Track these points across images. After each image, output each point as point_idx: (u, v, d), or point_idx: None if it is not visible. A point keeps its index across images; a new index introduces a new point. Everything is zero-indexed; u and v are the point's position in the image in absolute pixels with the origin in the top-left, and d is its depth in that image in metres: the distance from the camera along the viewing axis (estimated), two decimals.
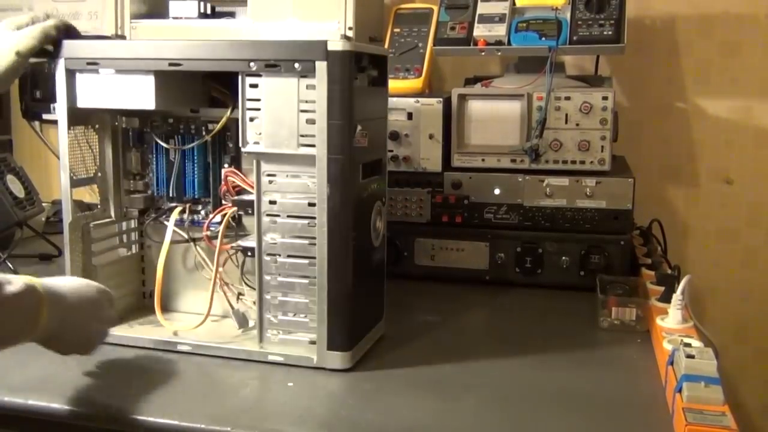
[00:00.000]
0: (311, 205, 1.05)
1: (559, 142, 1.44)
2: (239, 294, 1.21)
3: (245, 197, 1.14)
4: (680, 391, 0.90)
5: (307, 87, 1.02)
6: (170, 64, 1.06)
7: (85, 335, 0.99)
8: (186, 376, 1.06)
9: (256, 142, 1.06)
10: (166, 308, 1.23)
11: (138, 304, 1.29)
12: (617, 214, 1.42)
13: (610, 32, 1.44)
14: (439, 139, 1.49)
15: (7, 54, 1.07)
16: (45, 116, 1.99)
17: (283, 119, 1.04)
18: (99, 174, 1.23)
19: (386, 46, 1.64)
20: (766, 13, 1.73)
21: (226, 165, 1.21)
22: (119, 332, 1.17)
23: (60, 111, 1.13)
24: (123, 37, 1.49)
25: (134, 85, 1.09)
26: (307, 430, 0.91)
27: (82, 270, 1.17)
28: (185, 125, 1.22)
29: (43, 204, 1.73)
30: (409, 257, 1.52)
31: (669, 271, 1.36)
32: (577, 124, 1.44)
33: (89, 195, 1.32)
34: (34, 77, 1.84)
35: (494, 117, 1.48)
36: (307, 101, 1.03)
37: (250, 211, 1.11)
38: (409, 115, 1.50)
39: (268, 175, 1.07)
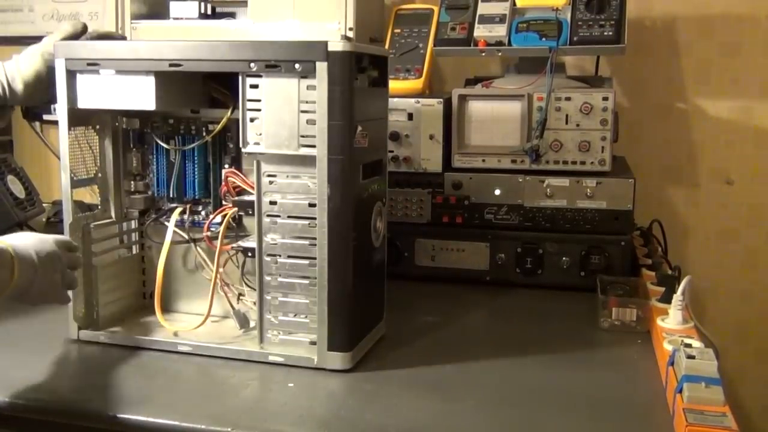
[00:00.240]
0: (312, 205, 1.05)
1: (560, 142, 1.44)
2: (240, 294, 1.21)
3: (246, 198, 1.14)
4: (681, 391, 0.90)
5: (308, 87, 1.02)
6: (171, 65, 1.06)
7: (50, 287, 1.03)
8: (186, 377, 1.06)
9: (257, 143, 1.06)
10: (167, 309, 1.23)
11: (138, 304, 1.29)
12: (618, 214, 1.42)
13: (610, 33, 1.44)
14: (439, 140, 1.49)
15: (34, 54, 1.17)
16: (45, 117, 1.99)
17: (283, 120, 1.04)
18: (99, 175, 1.23)
19: (387, 46, 1.64)
20: (766, 13, 1.73)
21: (226, 165, 1.21)
22: (120, 333, 1.18)
23: (60, 112, 1.13)
24: (124, 38, 1.49)
25: (134, 85, 1.09)
26: (307, 431, 0.91)
27: (83, 270, 1.17)
28: (185, 126, 1.22)
29: (44, 204, 1.73)
30: (410, 258, 1.52)
31: (669, 272, 1.36)
32: (578, 125, 1.44)
33: (90, 195, 1.32)
34: None
35: (495, 117, 1.48)
36: (307, 102, 1.03)
37: (250, 212, 1.11)
38: (410, 116, 1.50)
39: (269, 175, 1.07)
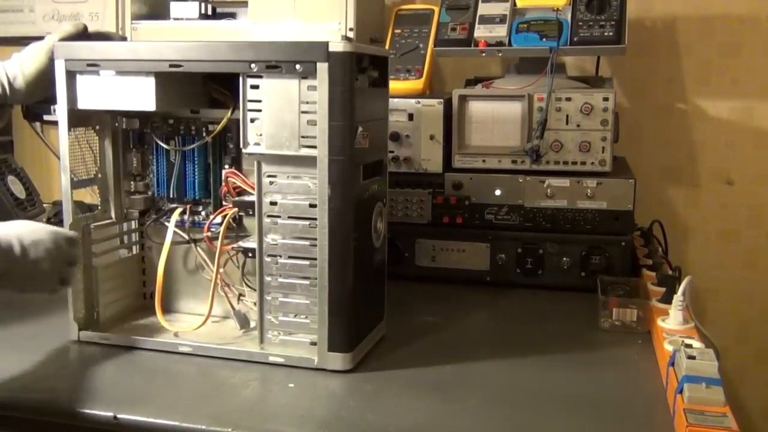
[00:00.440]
0: (312, 206, 1.05)
1: (560, 143, 1.44)
2: (240, 295, 1.21)
3: (246, 198, 1.14)
4: (681, 392, 0.90)
5: (309, 88, 1.02)
6: (171, 66, 1.06)
7: (34, 275, 1.01)
8: (187, 377, 1.06)
9: (257, 143, 1.06)
10: (167, 309, 1.23)
11: (139, 305, 1.29)
12: (618, 214, 1.42)
13: (610, 33, 1.44)
14: (439, 140, 1.49)
15: (37, 52, 1.16)
16: (46, 117, 1.99)
17: (284, 120, 1.04)
18: (99, 175, 1.23)
19: (387, 47, 1.64)
20: (766, 14, 1.73)
21: (226, 166, 1.21)
22: (120, 333, 1.18)
23: (60, 112, 1.13)
24: (124, 38, 1.49)
25: (135, 86, 1.09)
26: (307, 431, 0.91)
27: (83, 271, 1.17)
28: (185, 126, 1.22)
29: (44, 205, 1.73)
30: (410, 258, 1.52)
31: (670, 272, 1.36)
32: (578, 125, 1.44)
33: (90, 196, 1.32)
34: None
35: (495, 118, 1.48)
36: (308, 102, 1.03)
37: (251, 212, 1.11)
38: (410, 116, 1.50)
39: (269, 176, 1.07)
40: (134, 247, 1.29)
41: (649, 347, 1.16)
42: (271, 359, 1.09)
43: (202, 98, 1.20)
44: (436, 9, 1.62)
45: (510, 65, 1.63)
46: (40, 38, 1.19)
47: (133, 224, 1.28)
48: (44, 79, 1.15)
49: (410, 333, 1.23)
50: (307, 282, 1.08)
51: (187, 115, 1.21)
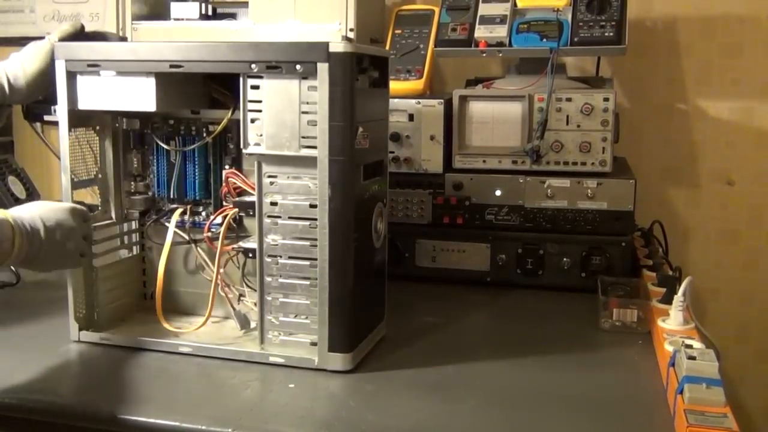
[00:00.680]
0: (312, 206, 1.05)
1: (560, 143, 1.44)
2: (240, 295, 1.21)
3: (246, 198, 1.14)
4: (681, 392, 0.90)
5: (309, 88, 1.02)
6: (171, 66, 1.06)
7: (61, 254, 1.06)
8: (187, 378, 1.06)
9: (257, 144, 1.06)
10: (167, 309, 1.23)
11: (139, 305, 1.29)
12: (618, 215, 1.42)
13: (611, 33, 1.44)
14: (440, 141, 1.49)
15: (38, 52, 1.15)
16: (46, 118, 1.99)
17: (284, 121, 1.04)
18: (99, 175, 1.23)
19: (387, 47, 1.64)
20: (767, 14, 1.73)
21: (227, 166, 1.21)
22: (121, 334, 1.18)
23: (61, 113, 1.13)
24: (125, 39, 1.49)
25: (135, 87, 1.09)
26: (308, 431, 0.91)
27: (83, 271, 1.17)
28: (186, 126, 1.22)
29: None
30: (410, 258, 1.52)
31: (670, 273, 1.36)
32: (578, 126, 1.44)
33: (90, 196, 1.32)
34: None
35: (495, 118, 1.48)
36: (308, 103, 1.03)
37: (251, 213, 1.11)
38: (410, 117, 1.50)
39: (269, 176, 1.07)
40: (134, 248, 1.29)
41: (649, 348, 1.16)
42: (272, 359, 1.09)
43: (202, 99, 1.20)
44: (437, 9, 1.62)
45: (510, 66, 1.63)
46: (40, 38, 1.19)
47: (133, 225, 1.28)
48: (45, 79, 1.15)
49: (411, 333, 1.23)
50: (307, 282, 1.08)
51: (188, 116, 1.21)
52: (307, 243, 1.07)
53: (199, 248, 1.23)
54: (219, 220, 1.18)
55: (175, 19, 1.69)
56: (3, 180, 1.60)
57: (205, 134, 1.20)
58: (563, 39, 1.45)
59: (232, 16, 1.75)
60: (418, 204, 1.51)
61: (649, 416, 0.95)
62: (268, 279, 1.10)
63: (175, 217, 1.21)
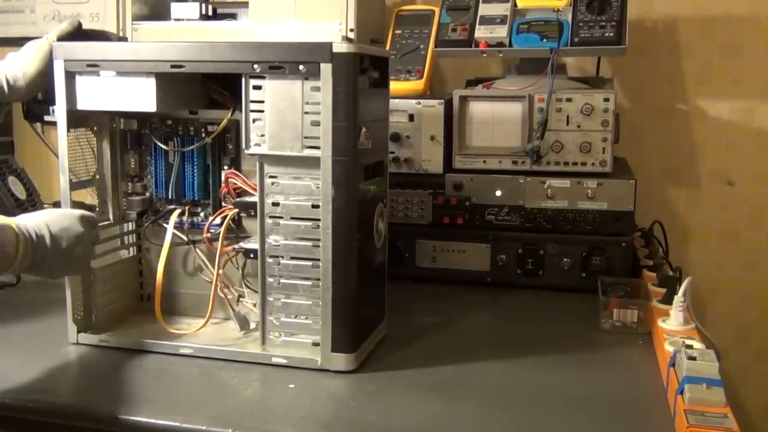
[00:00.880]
0: (315, 206, 1.05)
1: (561, 143, 1.44)
2: (239, 296, 1.21)
3: (248, 199, 1.14)
4: (682, 392, 0.90)
5: (312, 89, 1.02)
6: (173, 66, 1.06)
7: (69, 260, 1.05)
8: (188, 378, 1.06)
9: (258, 144, 1.06)
10: (164, 311, 1.21)
11: (136, 306, 1.28)
12: (618, 215, 1.42)
13: (611, 34, 1.44)
14: (440, 141, 1.49)
15: (37, 52, 1.15)
16: (47, 118, 1.99)
17: (287, 121, 1.04)
18: (97, 176, 1.23)
19: (387, 47, 1.64)
20: (767, 15, 1.73)
21: (225, 167, 1.20)
22: (121, 335, 1.17)
23: (59, 113, 1.12)
24: (125, 39, 1.48)
25: (135, 87, 1.09)
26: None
27: (81, 273, 1.17)
28: (184, 127, 1.21)
29: (45, 205, 1.73)
30: (411, 259, 1.52)
31: (670, 273, 1.36)
32: (579, 126, 1.44)
33: (90, 197, 1.32)
34: None
35: (495, 118, 1.48)
36: (311, 103, 1.03)
37: (252, 213, 1.10)
38: (411, 117, 1.50)
39: (271, 176, 1.07)
40: (131, 249, 1.28)
41: (649, 348, 1.16)
42: (275, 360, 1.08)
43: (200, 99, 1.19)
44: (437, 10, 1.62)
45: (510, 66, 1.63)
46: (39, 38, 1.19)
47: (131, 226, 1.27)
48: (44, 80, 1.15)
49: (411, 333, 1.23)
50: (309, 283, 1.08)
51: (186, 116, 1.21)
52: (309, 243, 1.07)
53: (197, 249, 1.23)
54: (218, 220, 1.18)
55: (176, 20, 1.69)
56: (3, 180, 1.60)
57: (204, 134, 1.20)
58: (563, 39, 1.45)
59: (232, 16, 1.75)
60: (419, 204, 1.51)
61: (650, 416, 0.95)
62: (270, 280, 1.10)
63: (174, 217, 1.20)
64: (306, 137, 1.04)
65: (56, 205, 1.83)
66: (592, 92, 1.45)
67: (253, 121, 1.06)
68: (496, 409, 0.97)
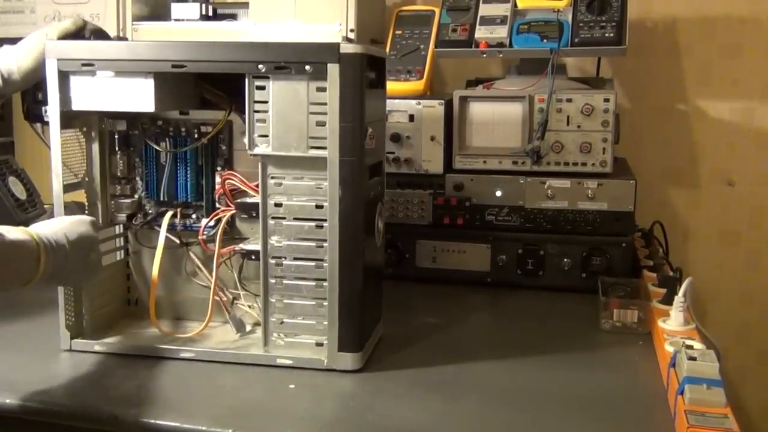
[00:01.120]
0: (319, 207, 1.05)
1: (561, 143, 1.44)
2: (234, 299, 1.20)
3: (248, 200, 1.13)
4: (682, 393, 0.90)
5: (318, 89, 1.02)
6: (173, 66, 1.05)
7: (85, 265, 1.05)
8: (189, 381, 1.06)
9: (260, 144, 1.05)
10: (156, 315, 1.18)
11: (124, 311, 1.26)
12: (619, 216, 1.42)
13: (611, 34, 1.44)
14: (440, 141, 1.49)
15: (33, 48, 1.15)
16: (46, 118, 1.99)
17: (291, 122, 1.03)
18: (86, 179, 1.19)
19: (388, 48, 1.64)
20: (767, 15, 1.73)
21: (219, 168, 1.19)
22: (117, 341, 1.15)
23: (52, 114, 1.09)
24: (125, 39, 1.48)
25: (133, 87, 1.07)
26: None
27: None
28: (175, 127, 1.20)
29: (45, 206, 1.73)
30: (411, 259, 1.52)
31: (671, 273, 1.36)
32: (579, 126, 1.44)
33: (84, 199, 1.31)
34: None
35: (496, 119, 1.48)
36: (316, 103, 1.02)
37: (254, 214, 1.10)
38: (411, 117, 1.50)
39: (274, 177, 1.07)
40: (118, 253, 1.25)
41: (649, 348, 1.16)
42: (279, 361, 1.08)
43: (193, 99, 1.17)
44: (437, 10, 1.62)
45: (511, 66, 1.63)
46: None
47: (120, 228, 1.24)
48: (39, 75, 1.13)
49: (411, 334, 1.23)
50: (312, 283, 1.07)
51: (176, 117, 1.19)
52: (313, 244, 1.06)
53: (191, 252, 1.21)
54: (212, 222, 1.16)
55: (176, 20, 1.69)
56: (3, 180, 1.59)
57: (197, 135, 1.19)
58: (564, 40, 1.46)
59: (233, 16, 1.75)
60: (419, 205, 1.51)
61: (650, 417, 0.95)
62: (272, 281, 1.09)
63: (166, 220, 1.18)
64: (311, 137, 1.03)
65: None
66: (593, 92, 1.45)
67: (257, 121, 1.05)
68: (497, 409, 0.97)
